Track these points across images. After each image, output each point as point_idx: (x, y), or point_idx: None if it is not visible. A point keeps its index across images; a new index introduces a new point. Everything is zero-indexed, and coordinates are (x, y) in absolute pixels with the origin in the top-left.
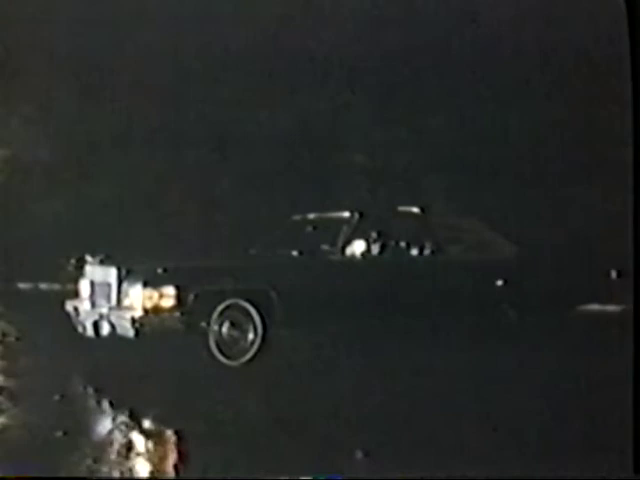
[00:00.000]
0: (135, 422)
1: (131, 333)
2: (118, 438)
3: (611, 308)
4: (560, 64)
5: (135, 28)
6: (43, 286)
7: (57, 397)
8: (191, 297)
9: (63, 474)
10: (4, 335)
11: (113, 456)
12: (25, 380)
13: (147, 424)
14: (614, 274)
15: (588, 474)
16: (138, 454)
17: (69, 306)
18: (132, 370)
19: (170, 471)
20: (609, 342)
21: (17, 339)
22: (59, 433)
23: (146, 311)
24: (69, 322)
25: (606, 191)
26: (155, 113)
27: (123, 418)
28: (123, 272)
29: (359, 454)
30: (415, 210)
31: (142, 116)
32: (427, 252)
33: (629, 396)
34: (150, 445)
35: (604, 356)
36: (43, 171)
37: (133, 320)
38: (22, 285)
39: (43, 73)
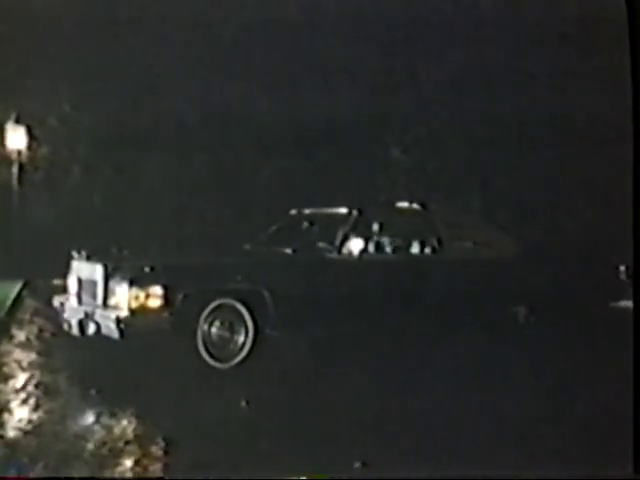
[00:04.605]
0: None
1: (116, 334)
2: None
3: (623, 304)
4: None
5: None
6: None
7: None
8: (179, 297)
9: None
10: (41, 331)
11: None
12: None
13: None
14: (623, 269)
15: (588, 474)
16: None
17: (56, 302)
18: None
19: (157, 472)
20: (614, 340)
21: (53, 335)
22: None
23: (132, 311)
24: None
25: (610, 187)
26: (148, 114)
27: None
28: (110, 269)
29: (357, 464)
30: (416, 206)
31: (135, 116)
32: (428, 250)
33: (629, 396)
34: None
35: (606, 355)
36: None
37: (118, 320)
38: (57, 281)
39: None
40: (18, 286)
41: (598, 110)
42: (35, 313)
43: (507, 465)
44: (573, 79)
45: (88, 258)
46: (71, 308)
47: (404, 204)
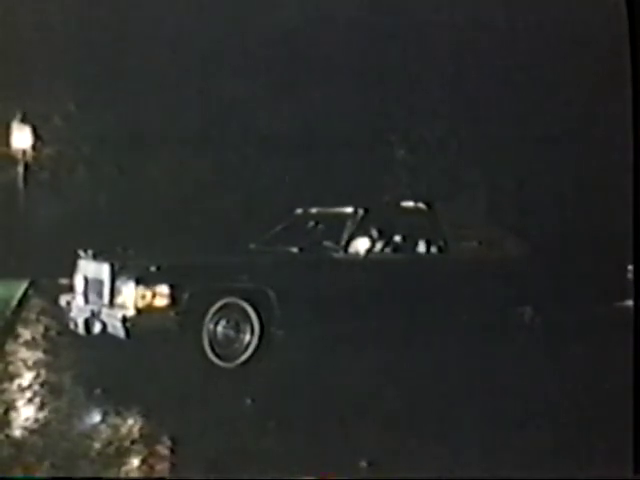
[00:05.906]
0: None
1: (122, 333)
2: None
3: (630, 304)
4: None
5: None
6: None
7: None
8: (186, 296)
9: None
10: (47, 330)
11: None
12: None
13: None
14: (630, 269)
15: (588, 474)
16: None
17: (62, 301)
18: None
19: (164, 471)
20: (618, 339)
21: (59, 334)
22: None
23: (138, 310)
24: None
25: (617, 184)
26: (152, 113)
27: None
28: (116, 268)
29: (362, 463)
30: (421, 206)
31: (139, 116)
32: (434, 250)
33: (630, 395)
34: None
35: (609, 354)
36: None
37: (124, 319)
38: (64, 280)
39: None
40: (24, 285)
41: (598, 110)
42: (41, 312)
43: (507, 465)
44: (574, 80)
45: (94, 257)
46: (77, 307)
47: (410, 203)
